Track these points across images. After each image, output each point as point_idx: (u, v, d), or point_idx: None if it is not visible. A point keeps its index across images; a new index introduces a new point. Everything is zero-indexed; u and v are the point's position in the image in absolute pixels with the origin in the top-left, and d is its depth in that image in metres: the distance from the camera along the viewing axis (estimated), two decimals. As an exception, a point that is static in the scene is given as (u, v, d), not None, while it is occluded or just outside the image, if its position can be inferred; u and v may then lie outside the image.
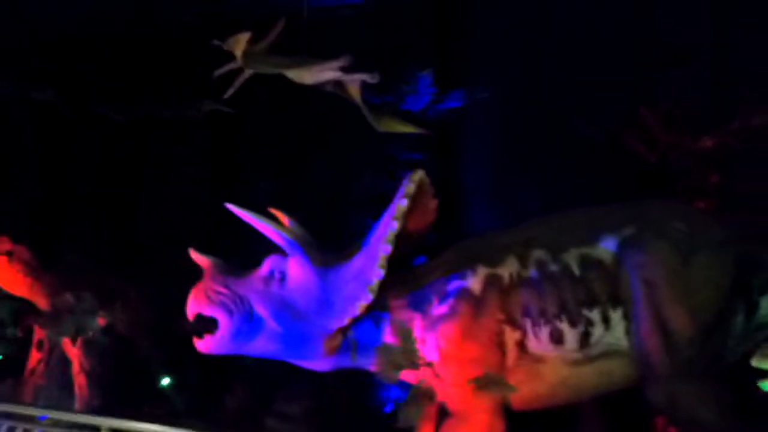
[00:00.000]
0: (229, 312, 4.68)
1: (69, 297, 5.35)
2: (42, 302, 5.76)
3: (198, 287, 4.82)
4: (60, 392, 5.35)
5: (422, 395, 4.31)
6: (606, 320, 4.41)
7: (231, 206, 4.67)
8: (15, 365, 5.66)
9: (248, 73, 5.91)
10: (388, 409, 6.77)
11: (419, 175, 4.53)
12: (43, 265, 5.85)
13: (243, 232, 7.73)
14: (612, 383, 4.58)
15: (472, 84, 6.84)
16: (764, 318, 4.46)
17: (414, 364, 4.36)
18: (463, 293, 4.50)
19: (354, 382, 6.71)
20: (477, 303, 4.48)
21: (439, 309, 4.53)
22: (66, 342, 5.33)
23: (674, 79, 6.38)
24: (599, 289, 4.42)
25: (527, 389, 4.48)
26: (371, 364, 4.69)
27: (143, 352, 5.59)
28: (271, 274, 4.70)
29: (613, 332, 4.40)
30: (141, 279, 6.31)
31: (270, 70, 5.58)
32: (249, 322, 4.65)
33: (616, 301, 4.41)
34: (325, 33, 6.18)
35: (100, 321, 5.27)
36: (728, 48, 6.26)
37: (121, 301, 5.72)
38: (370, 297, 4.30)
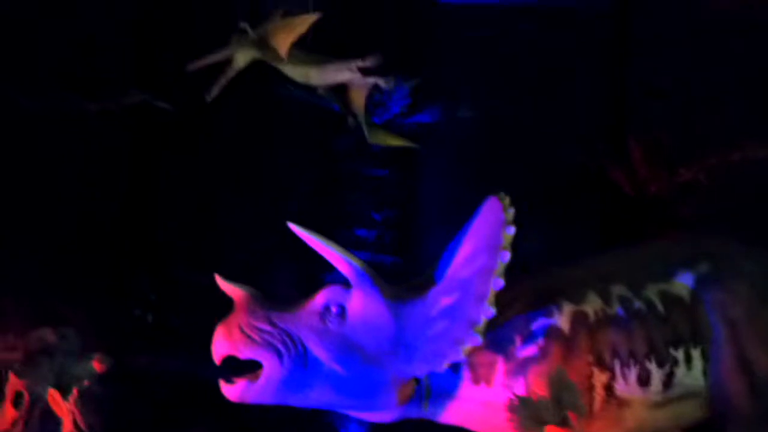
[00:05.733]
0: (278, 354, 3.87)
1: (47, 334, 4.13)
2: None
3: (229, 323, 3.96)
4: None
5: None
6: (688, 360, 4.24)
7: (293, 226, 3.91)
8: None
9: (237, 67, 5.14)
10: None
11: (508, 198, 4.06)
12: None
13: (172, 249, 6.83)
14: (680, 426, 4.45)
15: (447, 101, 6.48)
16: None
17: (565, 420, 3.90)
18: (552, 332, 4.10)
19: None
20: (567, 343, 4.10)
21: (525, 350, 4.08)
22: (53, 394, 4.10)
23: (652, 113, 6.54)
24: (683, 327, 4.24)
25: (609, 437, 4.21)
26: (441, 414, 4.14)
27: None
28: (327, 308, 3.98)
29: (693, 372, 4.25)
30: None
31: (294, 68, 4.87)
32: (304, 367, 3.89)
33: (696, 339, 4.25)
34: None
35: (96, 365, 4.14)
36: (706, 85, 6.51)
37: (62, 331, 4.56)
38: (479, 339, 3.75)
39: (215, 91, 5.07)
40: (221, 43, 5.15)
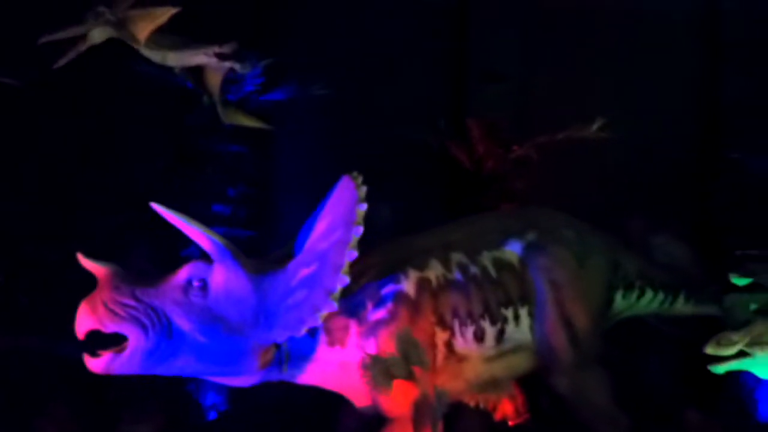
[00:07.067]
0: (142, 327, 4.06)
1: None
2: None
3: (93, 299, 4.08)
4: None
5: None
6: (516, 318, 4.80)
7: (155, 205, 4.04)
8: None
9: (90, 43, 5.12)
10: (211, 416, 6.38)
11: (361, 177, 4.39)
12: None
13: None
14: (513, 376, 5.01)
15: (300, 80, 6.71)
16: (617, 309, 5.28)
17: (411, 375, 4.28)
18: (399, 297, 4.53)
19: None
20: (413, 306, 4.54)
21: (375, 314, 4.49)
22: None
23: (489, 96, 7.09)
24: (512, 289, 4.81)
25: (450, 388, 4.67)
26: (300, 375, 4.47)
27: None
28: (189, 282, 4.18)
29: (521, 329, 4.82)
30: None
31: (151, 51, 4.93)
32: (168, 338, 4.09)
33: (523, 300, 4.83)
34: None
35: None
36: (537, 70, 7.13)
37: None
38: (335, 305, 4.09)
39: (63, 61, 5.00)
40: (73, 19, 5.11)
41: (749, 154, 6.85)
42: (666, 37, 7.51)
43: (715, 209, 7.05)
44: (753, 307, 5.29)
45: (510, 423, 5.34)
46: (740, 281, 5.27)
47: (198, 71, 5.51)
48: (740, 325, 4.55)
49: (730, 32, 7.38)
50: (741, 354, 4.38)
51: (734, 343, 4.33)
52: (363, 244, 4.42)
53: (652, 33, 7.51)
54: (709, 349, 4.39)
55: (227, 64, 5.35)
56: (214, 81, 5.50)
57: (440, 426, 4.50)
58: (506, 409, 5.31)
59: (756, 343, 4.33)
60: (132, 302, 4.08)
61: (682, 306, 5.41)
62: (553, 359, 4.80)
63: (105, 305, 4.05)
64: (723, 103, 7.38)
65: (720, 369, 4.43)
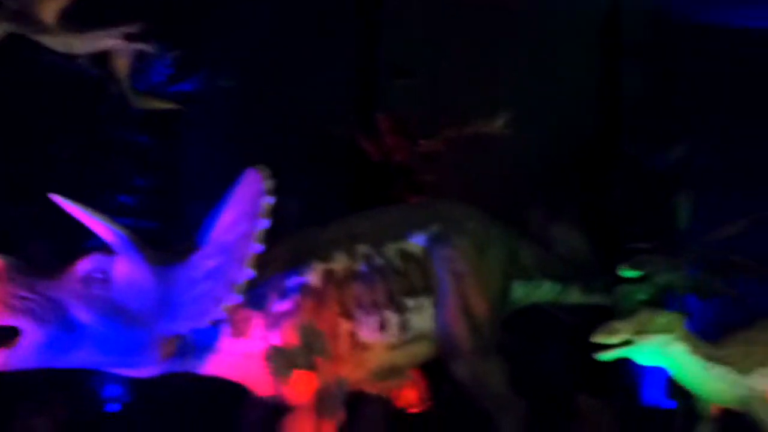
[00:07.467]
0: (39, 320, 3.98)
1: None
2: None
3: (-12, 292, 3.99)
4: None
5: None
6: (420, 307, 4.92)
7: (56, 197, 3.97)
8: None
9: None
10: (113, 408, 6.31)
11: (267, 170, 4.42)
12: None
13: None
14: (414, 364, 5.14)
15: (208, 72, 6.67)
16: (515, 298, 5.44)
17: (313, 365, 4.32)
18: (304, 289, 4.59)
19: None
20: (318, 297, 4.61)
21: (280, 305, 4.53)
22: None
23: (398, 90, 7.22)
24: (416, 279, 4.92)
25: (352, 377, 4.75)
26: (203, 366, 4.47)
27: None
28: (90, 274, 4.13)
29: (424, 318, 4.93)
30: None
31: (56, 38, 4.81)
32: (67, 331, 4.02)
33: (427, 290, 4.95)
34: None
35: None
36: (445, 66, 7.30)
37: None
38: (239, 297, 4.11)
39: None
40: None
41: (645, 151, 7.19)
42: (570, 35, 7.82)
43: (612, 203, 7.40)
44: (641, 297, 5.65)
45: (412, 410, 5.50)
46: (629, 273, 5.61)
47: (104, 57, 5.40)
48: (627, 314, 4.80)
49: (629, 32, 7.74)
50: (626, 342, 4.62)
51: (619, 332, 4.57)
52: (269, 236, 4.49)
53: (557, 31, 7.80)
54: (596, 338, 4.62)
55: (135, 46, 5.25)
56: (122, 65, 5.36)
57: (341, 414, 4.62)
58: (408, 396, 5.45)
59: (639, 331, 4.59)
60: (29, 294, 3.99)
61: (576, 296, 5.64)
62: (452, 347, 4.93)
63: (1, 299, 3.97)
64: (622, 101, 7.74)
65: (606, 356, 4.65)
